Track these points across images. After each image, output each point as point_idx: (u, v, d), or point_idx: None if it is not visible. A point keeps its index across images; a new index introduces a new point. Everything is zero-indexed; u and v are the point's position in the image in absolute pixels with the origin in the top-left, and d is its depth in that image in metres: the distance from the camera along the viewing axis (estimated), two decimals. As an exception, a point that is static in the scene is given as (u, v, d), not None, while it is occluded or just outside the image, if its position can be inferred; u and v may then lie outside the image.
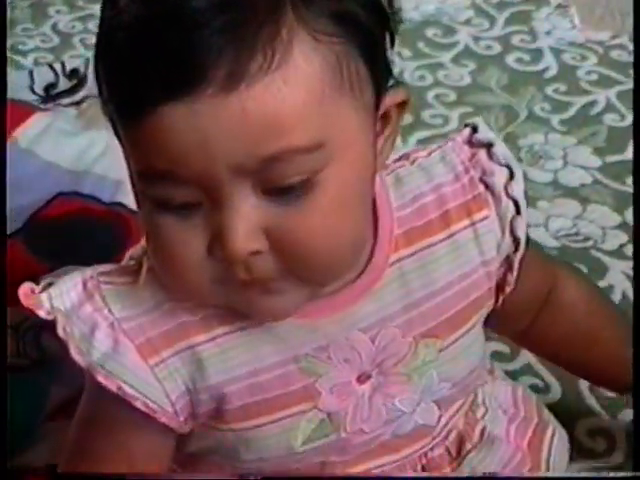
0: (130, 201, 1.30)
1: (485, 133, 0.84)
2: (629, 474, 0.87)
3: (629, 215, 1.44)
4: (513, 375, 1.16)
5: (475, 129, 0.84)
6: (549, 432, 0.99)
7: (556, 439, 1.00)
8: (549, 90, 1.70)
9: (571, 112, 1.64)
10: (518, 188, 0.83)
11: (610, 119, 1.66)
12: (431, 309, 0.83)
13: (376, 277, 0.80)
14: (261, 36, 0.62)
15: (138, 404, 0.78)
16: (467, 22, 1.84)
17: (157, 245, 0.72)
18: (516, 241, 0.85)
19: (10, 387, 1.08)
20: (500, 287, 0.87)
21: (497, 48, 1.82)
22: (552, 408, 1.06)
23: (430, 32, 1.79)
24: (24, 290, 0.78)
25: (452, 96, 1.71)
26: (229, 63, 0.61)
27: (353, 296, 0.79)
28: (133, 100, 0.65)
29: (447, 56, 1.78)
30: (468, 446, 0.93)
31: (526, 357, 1.19)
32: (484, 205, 0.83)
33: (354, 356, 0.81)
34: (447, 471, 0.91)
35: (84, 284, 0.79)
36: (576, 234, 1.41)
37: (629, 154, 1.57)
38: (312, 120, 0.65)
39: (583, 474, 0.99)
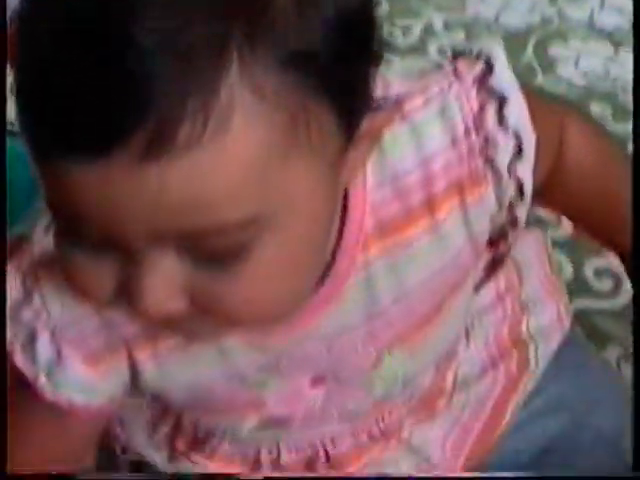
0: None
1: (501, 80, 0.69)
2: (629, 474, 0.82)
3: None
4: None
5: (491, 68, 0.69)
6: (527, 312, 0.96)
7: (539, 314, 0.97)
8: None
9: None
10: (526, 167, 0.70)
11: None
12: (400, 314, 0.76)
13: (337, 287, 0.72)
14: (195, 97, 0.52)
15: (90, 410, 0.78)
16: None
17: (66, 274, 0.65)
18: (514, 219, 0.76)
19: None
20: (494, 244, 0.80)
21: None
22: (562, 246, 1.10)
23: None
24: None
25: None
26: (152, 129, 0.52)
27: (309, 313, 0.72)
28: (41, 147, 0.57)
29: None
30: (439, 401, 0.91)
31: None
32: (481, 181, 0.71)
33: (307, 364, 0.78)
34: (408, 424, 0.90)
35: (24, 276, 0.74)
36: (605, 76, 1.40)
37: None
38: (247, 194, 0.57)
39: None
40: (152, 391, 0.80)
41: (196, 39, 0.51)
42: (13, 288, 0.74)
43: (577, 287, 1.22)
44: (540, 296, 0.98)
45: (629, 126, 1.32)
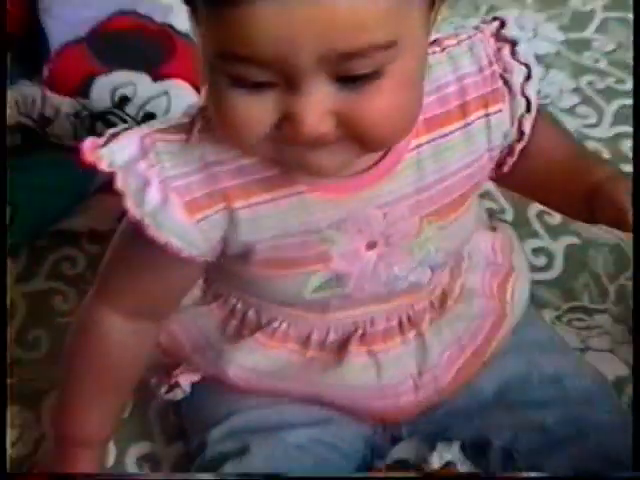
0: (178, 23, 1.41)
1: (511, 31, 0.87)
2: (629, 474, 0.81)
3: (582, 82, 1.56)
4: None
5: (503, 24, 0.87)
6: (513, 276, 1.05)
7: (520, 277, 1.06)
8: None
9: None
10: (533, 88, 0.87)
11: (574, 3, 1.72)
12: (439, 192, 0.87)
13: (396, 161, 0.83)
14: None
15: (184, 254, 0.84)
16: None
17: (227, 114, 0.73)
18: (521, 133, 0.89)
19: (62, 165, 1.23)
20: (498, 166, 0.93)
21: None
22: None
23: None
24: (87, 145, 0.81)
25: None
26: None
27: (375, 177, 0.83)
28: None
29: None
30: (449, 302, 0.98)
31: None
32: (500, 99, 0.86)
33: (366, 228, 0.86)
34: (427, 322, 0.97)
35: (141, 141, 0.81)
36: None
37: (588, 33, 1.66)
38: (389, 22, 0.67)
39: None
40: (242, 245, 0.85)
41: None
42: (131, 146, 0.81)
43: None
44: (520, 267, 1.08)
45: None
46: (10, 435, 1.10)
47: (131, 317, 0.93)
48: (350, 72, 0.68)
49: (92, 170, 0.83)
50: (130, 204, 0.81)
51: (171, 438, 1.09)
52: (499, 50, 0.87)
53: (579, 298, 1.23)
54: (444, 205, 0.88)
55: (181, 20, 1.26)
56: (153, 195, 0.81)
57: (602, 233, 1.30)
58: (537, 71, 0.88)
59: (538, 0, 1.69)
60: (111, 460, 1.08)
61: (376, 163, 0.82)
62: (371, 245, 0.88)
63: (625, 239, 1.23)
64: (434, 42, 0.86)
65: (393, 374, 0.96)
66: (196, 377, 1.02)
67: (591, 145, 1.42)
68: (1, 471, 0.86)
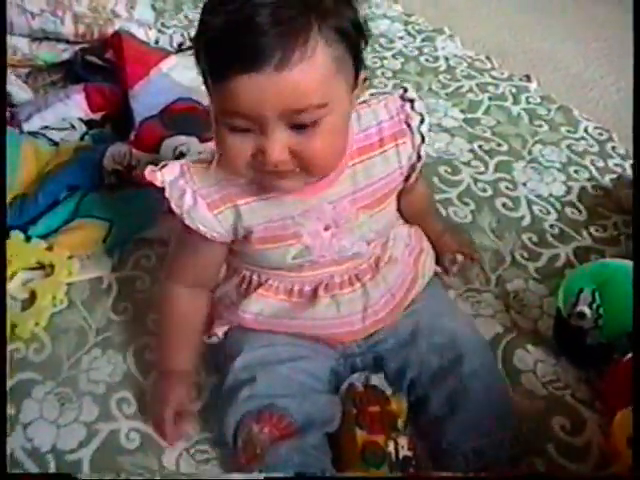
0: None
1: (411, 93, 0.92)
2: (629, 474, 0.75)
3: (475, 145, 1.50)
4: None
5: (406, 90, 0.92)
6: (424, 253, 1.06)
7: (428, 257, 1.08)
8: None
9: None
10: (425, 128, 0.91)
11: (470, 95, 1.66)
12: (368, 193, 0.91)
13: (339, 174, 0.89)
14: (298, 41, 0.71)
15: (207, 235, 0.90)
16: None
17: (224, 148, 0.80)
18: (419, 157, 0.93)
19: (142, 197, 1.26)
20: (406, 179, 0.96)
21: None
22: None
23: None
24: (148, 170, 0.88)
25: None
26: (280, 55, 0.70)
27: (326, 184, 0.88)
28: (219, 70, 0.74)
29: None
30: (381, 264, 0.98)
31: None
32: (405, 135, 0.91)
33: (323, 216, 0.90)
34: (368, 277, 0.97)
35: (181, 167, 0.89)
36: (447, 149, 1.46)
37: (479, 114, 1.59)
38: (322, 91, 0.74)
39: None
40: (244, 230, 0.90)
41: (291, 15, 0.70)
42: (174, 170, 0.88)
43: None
44: (428, 250, 1.09)
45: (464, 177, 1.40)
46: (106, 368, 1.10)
47: (189, 286, 0.99)
48: (298, 122, 0.75)
49: (159, 198, 0.89)
50: (174, 206, 0.88)
51: (210, 371, 1.07)
52: (403, 106, 0.92)
53: (472, 284, 1.20)
54: (372, 201, 0.92)
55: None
56: (187, 200, 0.88)
57: (487, 241, 1.28)
58: (427, 119, 0.92)
59: (448, 93, 1.66)
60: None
61: (327, 176, 0.87)
62: (327, 227, 0.91)
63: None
64: (364, 102, 0.91)
65: (347, 310, 0.97)
66: (225, 328, 1.03)
67: (481, 185, 1.42)
68: (1, 471, 0.80)
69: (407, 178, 0.96)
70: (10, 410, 1.04)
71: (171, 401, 0.98)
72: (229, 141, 0.78)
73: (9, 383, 1.07)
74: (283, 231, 0.90)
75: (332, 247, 0.92)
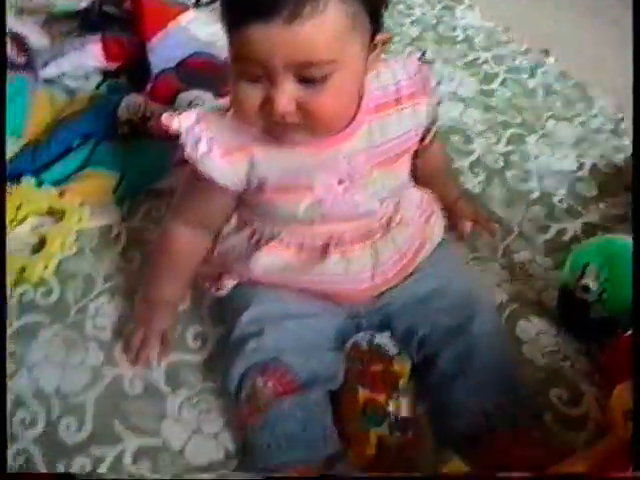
0: None
1: (429, 56, 0.95)
2: (629, 474, 0.73)
3: (489, 116, 1.49)
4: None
5: (424, 53, 0.95)
6: (434, 215, 1.06)
7: (438, 221, 1.07)
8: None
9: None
10: (440, 89, 0.96)
11: (485, 67, 1.62)
12: (383, 150, 0.92)
13: (355, 128, 0.89)
14: None
15: (220, 183, 0.90)
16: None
17: (236, 97, 0.81)
18: (434, 119, 0.95)
19: (155, 148, 1.27)
20: (421, 140, 0.97)
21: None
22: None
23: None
24: (165, 116, 0.89)
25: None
26: (291, 7, 0.71)
27: (342, 138, 0.88)
28: (233, 18, 0.76)
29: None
30: (392, 224, 0.98)
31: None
32: (422, 96, 0.92)
33: (337, 170, 0.90)
34: (379, 236, 0.97)
35: (197, 115, 0.89)
36: (460, 119, 1.46)
37: (494, 85, 1.57)
38: (334, 46, 0.75)
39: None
40: (257, 180, 0.90)
41: None
42: (191, 117, 0.88)
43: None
44: (438, 214, 1.09)
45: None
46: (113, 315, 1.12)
47: (192, 227, 0.99)
48: (307, 75, 0.76)
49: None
50: (188, 152, 0.88)
51: (216, 322, 1.09)
52: (421, 67, 0.93)
53: (481, 251, 1.21)
54: (387, 159, 0.92)
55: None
56: (202, 147, 0.87)
57: (496, 212, 1.28)
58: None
59: (464, 63, 1.61)
60: (176, 335, 1.08)
61: (342, 130, 0.87)
62: (340, 181, 0.91)
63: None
64: (383, 62, 0.90)
65: (356, 267, 0.97)
66: (234, 281, 1.03)
67: (492, 157, 1.41)
68: (1, 471, 0.80)
69: (422, 140, 0.97)
70: (16, 350, 1.07)
71: (155, 324, 1.03)
72: (240, 89, 0.79)
73: (16, 324, 1.10)
74: (296, 182, 0.90)
75: (344, 201, 0.92)
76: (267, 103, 0.78)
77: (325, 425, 0.91)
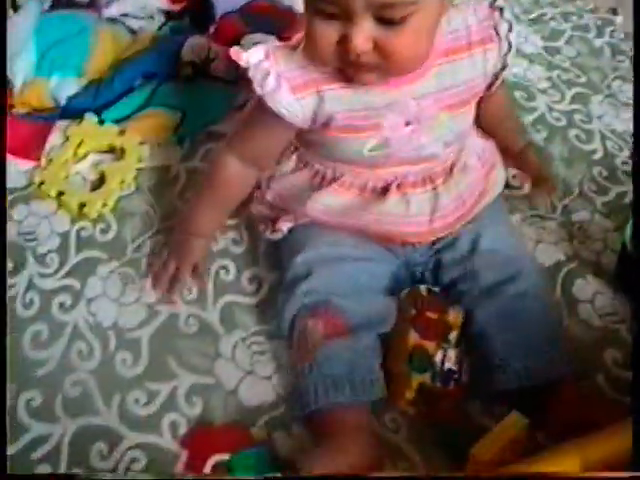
0: (297, 5, 1.40)
1: (500, 2, 0.91)
2: (629, 474, 0.70)
3: (553, 74, 1.46)
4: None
5: (495, 1, 0.91)
6: (496, 168, 1.05)
7: (499, 172, 1.06)
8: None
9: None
10: (513, 36, 0.91)
11: (552, 24, 1.59)
12: (451, 94, 0.90)
13: (425, 71, 0.88)
14: None
15: (287, 119, 0.89)
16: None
17: (311, 33, 0.80)
18: (504, 65, 0.93)
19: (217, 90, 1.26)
20: (489, 87, 0.95)
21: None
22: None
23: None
24: (234, 50, 0.88)
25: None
26: None
27: (411, 79, 0.87)
28: None
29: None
30: (455, 170, 0.97)
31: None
32: (492, 41, 0.91)
33: (405, 110, 0.89)
34: (441, 181, 0.97)
35: (266, 50, 0.88)
36: (524, 75, 1.45)
37: (560, 43, 1.54)
38: None
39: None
40: (326, 116, 0.89)
41: None
42: (259, 52, 0.87)
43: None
44: (499, 167, 1.06)
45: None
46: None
47: (243, 161, 0.98)
48: (387, 16, 0.75)
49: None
50: (257, 87, 0.87)
51: (272, 266, 1.09)
52: (492, 12, 0.91)
53: (538, 210, 1.19)
54: (455, 103, 0.91)
55: (298, 3, 1.23)
56: (271, 81, 0.86)
57: (557, 170, 1.26)
58: (514, 28, 0.91)
59: (530, 19, 1.60)
60: (231, 277, 1.09)
61: (412, 71, 0.85)
62: (408, 123, 0.90)
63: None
64: (455, 6, 0.89)
65: (416, 209, 0.96)
66: (290, 224, 1.03)
67: (555, 115, 1.37)
68: (1, 471, 0.79)
69: (489, 86, 0.95)
70: (74, 285, 1.09)
71: (187, 256, 1.04)
72: (316, 25, 0.78)
73: (75, 259, 1.12)
74: (364, 121, 0.89)
75: (410, 143, 0.91)
76: (343, 41, 0.77)
77: (372, 369, 0.91)
